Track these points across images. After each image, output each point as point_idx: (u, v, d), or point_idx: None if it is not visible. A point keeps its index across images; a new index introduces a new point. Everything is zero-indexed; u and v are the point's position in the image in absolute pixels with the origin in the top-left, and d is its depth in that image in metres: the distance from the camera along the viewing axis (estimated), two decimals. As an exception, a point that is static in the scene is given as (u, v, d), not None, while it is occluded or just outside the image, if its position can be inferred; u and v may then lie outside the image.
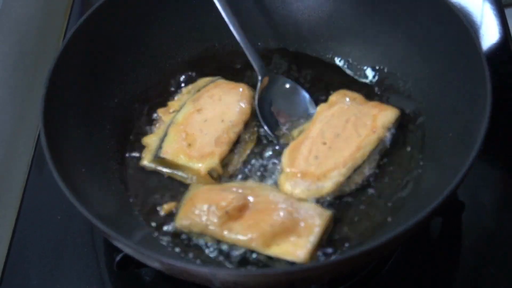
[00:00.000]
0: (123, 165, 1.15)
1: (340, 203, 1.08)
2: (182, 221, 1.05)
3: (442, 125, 1.09)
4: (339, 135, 1.11)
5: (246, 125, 1.17)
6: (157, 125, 1.19)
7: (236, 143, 1.15)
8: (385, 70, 1.23)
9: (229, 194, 1.04)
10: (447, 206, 1.02)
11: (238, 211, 1.02)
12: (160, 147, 1.14)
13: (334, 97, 1.18)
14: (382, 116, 1.13)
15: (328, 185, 1.06)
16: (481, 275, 1.09)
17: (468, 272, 1.09)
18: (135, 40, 1.23)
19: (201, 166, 1.10)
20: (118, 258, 1.01)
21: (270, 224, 1.00)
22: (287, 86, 1.22)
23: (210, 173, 1.10)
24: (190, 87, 1.24)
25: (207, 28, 1.30)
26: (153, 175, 1.14)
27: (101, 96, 1.17)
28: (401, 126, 1.17)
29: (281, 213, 1.01)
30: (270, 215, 1.01)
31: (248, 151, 1.15)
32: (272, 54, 1.30)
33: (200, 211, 1.02)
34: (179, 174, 1.13)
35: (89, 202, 0.98)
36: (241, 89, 1.21)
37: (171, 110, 1.20)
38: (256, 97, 1.19)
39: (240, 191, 1.06)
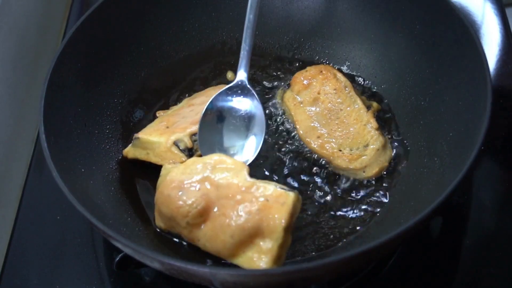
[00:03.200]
0: (122, 165, 1.15)
1: (341, 203, 1.09)
2: (160, 224, 1.05)
3: (442, 125, 1.09)
4: None
5: None
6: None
7: None
8: (386, 69, 1.23)
9: (189, 194, 0.98)
10: (447, 206, 1.02)
11: (200, 216, 0.97)
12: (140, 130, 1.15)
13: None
14: None
15: None
16: (481, 275, 1.09)
17: (468, 272, 1.09)
18: (134, 40, 1.23)
19: (169, 138, 1.10)
20: (117, 258, 1.00)
21: (231, 235, 0.95)
22: (253, 109, 1.13)
23: (177, 145, 1.10)
24: (195, 95, 1.24)
25: (206, 28, 1.30)
26: (153, 175, 1.14)
27: (100, 96, 1.17)
28: (401, 126, 1.17)
29: (242, 217, 0.95)
30: (230, 220, 0.95)
31: None
32: (271, 53, 1.31)
33: (170, 220, 1.00)
34: (154, 158, 1.11)
35: (88, 202, 0.98)
36: None
37: (168, 112, 1.20)
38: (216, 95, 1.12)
39: (204, 176, 0.98)
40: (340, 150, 1.13)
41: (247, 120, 1.13)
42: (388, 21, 1.21)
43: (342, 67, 1.27)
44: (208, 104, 1.13)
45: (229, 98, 1.14)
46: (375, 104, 1.19)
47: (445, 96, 1.10)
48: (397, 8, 1.19)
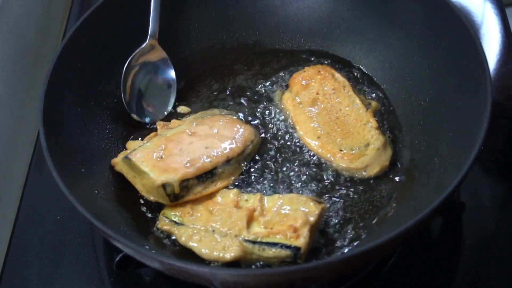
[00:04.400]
0: (122, 165, 1.15)
1: (340, 204, 1.09)
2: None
3: (442, 125, 1.09)
4: None
5: (228, 162, 1.10)
6: (150, 134, 1.16)
7: (209, 174, 1.09)
8: (386, 69, 1.23)
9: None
10: (447, 206, 1.02)
11: None
12: (134, 150, 1.10)
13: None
14: None
15: None
16: (481, 275, 1.09)
17: (468, 272, 1.09)
18: (134, 40, 1.23)
19: (158, 177, 1.05)
20: (117, 258, 1.00)
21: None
22: (165, 65, 1.24)
23: (164, 187, 1.05)
24: (200, 114, 1.21)
25: (206, 28, 1.30)
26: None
27: (100, 96, 1.17)
28: (401, 126, 1.17)
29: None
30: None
31: (216, 187, 1.09)
32: (271, 53, 1.31)
33: None
34: (138, 185, 1.09)
35: (88, 202, 0.98)
36: (242, 130, 1.15)
37: (169, 126, 1.17)
38: (131, 58, 1.20)
39: None
40: (341, 150, 1.13)
41: (166, 78, 1.24)
42: (388, 21, 1.21)
43: (341, 67, 1.27)
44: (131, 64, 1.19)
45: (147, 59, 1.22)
46: (374, 103, 1.19)
47: (445, 96, 1.10)
48: (397, 8, 1.19)
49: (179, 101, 1.24)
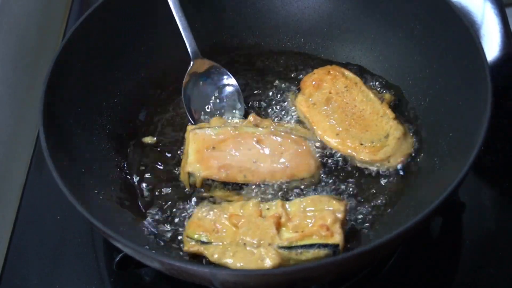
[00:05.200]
0: (122, 165, 1.15)
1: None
2: None
3: (442, 125, 1.09)
4: None
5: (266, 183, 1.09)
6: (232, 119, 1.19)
7: (237, 186, 1.08)
8: (386, 69, 1.23)
9: None
10: (447, 206, 1.02)
11: None
12: (203, 128, 1.12)
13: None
14: None
15: None
16: (481, 275, 1.09)
17: (468, 272, 1.09)
18: (134, 40, 1.23)
19: (191, 163, 1.07)
20: (117, 258, 1.00)
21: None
22: (218, 74, 1.24)
23: (190, 174, 1.08)
24: (291, 124, 1.19)
25: (206, 28, 1.30)
26: (154, 175, 1.14)
27: (100, 96, 1.17)
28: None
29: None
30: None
31: (237, 199, 1.08)
32: (271, 53, 1.31)
33: None
34: (183, 157, 1.13)
35: (88, 202, 0.98)
36: (301, 163, 1.10)
37: (259, 123, 1.16)
38: (185, 79, 1.21)
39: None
40: (362, 144, 1.12)
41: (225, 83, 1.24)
42: (388, 21, 1.21)
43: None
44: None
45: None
46: (387, 96, 1.19)
47: (445, 96, 1.10)
48: (397, 8, 1.19)
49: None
